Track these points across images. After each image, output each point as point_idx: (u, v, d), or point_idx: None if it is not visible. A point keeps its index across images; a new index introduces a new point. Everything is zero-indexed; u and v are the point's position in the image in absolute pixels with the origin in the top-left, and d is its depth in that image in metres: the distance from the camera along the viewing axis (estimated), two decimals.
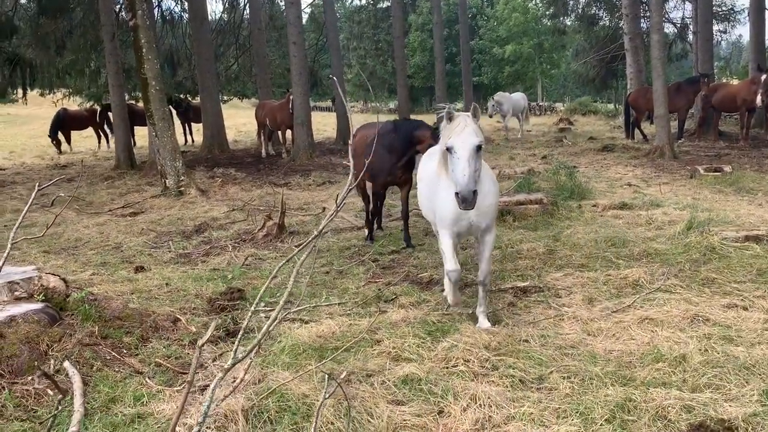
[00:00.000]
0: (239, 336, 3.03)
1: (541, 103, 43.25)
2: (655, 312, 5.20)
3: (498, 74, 43.24)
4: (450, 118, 4.87)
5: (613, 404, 3.68)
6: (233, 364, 2.83)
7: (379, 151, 7.36)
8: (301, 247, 3.58)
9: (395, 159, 7.63)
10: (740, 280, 6.02)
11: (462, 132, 4.67)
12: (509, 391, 4.02)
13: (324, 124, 29.84)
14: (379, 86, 51.49)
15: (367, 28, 52.66)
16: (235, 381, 3.84)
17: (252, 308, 3.38)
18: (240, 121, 34.38)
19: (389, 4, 39.08)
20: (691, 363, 4.19)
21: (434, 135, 6.57)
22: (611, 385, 3.93)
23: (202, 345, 2.74)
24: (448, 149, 4.72)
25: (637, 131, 19.55)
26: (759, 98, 11.72)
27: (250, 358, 3.95)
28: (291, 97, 17.28)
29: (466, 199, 4.53)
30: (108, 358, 4.54)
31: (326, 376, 3.67)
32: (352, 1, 55.34)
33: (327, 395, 3.31)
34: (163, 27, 23.05)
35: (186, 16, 22.15)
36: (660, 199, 10.09)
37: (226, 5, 23.44)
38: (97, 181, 15.33)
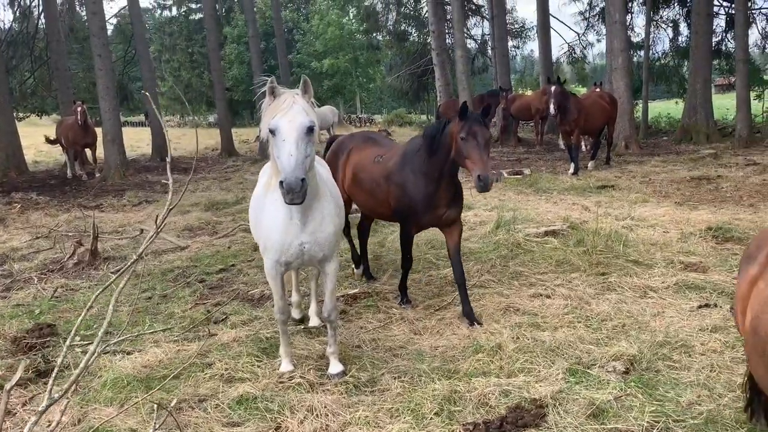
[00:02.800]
0: (53, 374, 2.79)
1: (360, 116, 44.61)
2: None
3: (318, 88, 43.86)
4: (274, 94, 3.93)
5: (440, 398, 3.91)
6: (48, 406, 2.61)
7: (410, 179, 5.45)
8: (119, 272, 3.38)
9: (432, 186, 5.37)
10: (543, 271, 6.69)
11: (289, 110, 3.79)
12: (344, 397, 4.11)
13: (138, 140, 28.18)
14: (196, 99, 49.72)
15: (179, 40, 50.69)
16: (50, 425, 3.51)
17: (66, 343, 3.12)
18: (40, 140, 31.27)
19: (202, 15, 38.02)
20: (506, 351, 4.58)
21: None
22: (438, 380, 4.18)
23: (10, 389, 2.48)
24: (272, 131, 3.80)
25: None
26: (551, 107, 13.10)
27: (67, 398, 3.64)
28: (80, 111, 15.84)
29: (292, 189, 3.60)
30: None
31: (155, 406, 3.48)
32: (161, 12, 52.88)
33: (157, 425, 3.14)
34: None
35: None
36: (470, 201, 10.86)
37: (17, 14, 21.24)
38: None
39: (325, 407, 3.89)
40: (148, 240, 3.17)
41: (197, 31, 46.08)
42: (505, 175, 13.78)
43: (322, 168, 4.79)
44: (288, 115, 3.77)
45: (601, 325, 5.11)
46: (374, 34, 34.04)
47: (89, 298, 6.74)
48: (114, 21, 24.17)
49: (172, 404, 2.99)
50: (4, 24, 22.29)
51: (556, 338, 4.81)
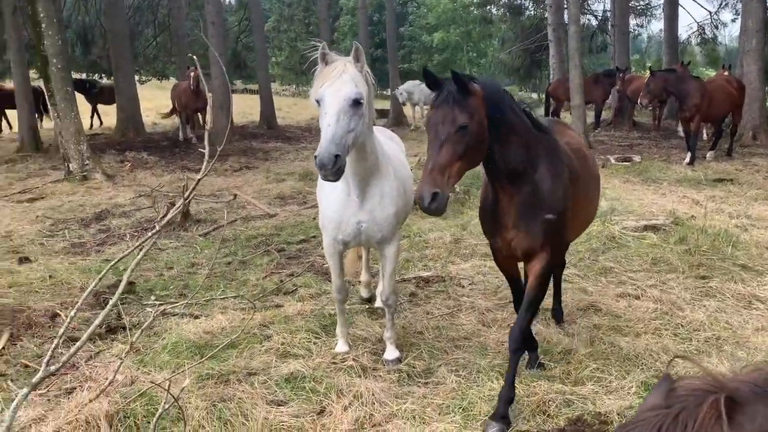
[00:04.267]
0: (55, 343, 2.77)
1: None
2: (550, 302, 5.22)
3: (428, 62, 43.34)
4: (325, 61, 3.67)
5: (496, 399, 3.63)
6: (42, 378, 2.59)
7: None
8: (149, 236, 3.32)
9: (492, 193, 3.75)
10: (635, 269, 6.16)
11: (337, 79, 3.51)
12: (395, 386, 3.93)
13: (252, 107, 29.10)
14: (309, 70, 50.63)
15: (297, 11, 51.69)
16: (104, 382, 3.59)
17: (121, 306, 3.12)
18: (163, 102, 33.04)
19: None
20: (577, 354, 4.21)
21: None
22: (496, 379, 3.90)
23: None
24: (317, 101, 3.58)
25: None
26: (645, 100, 12.27)
27: (121, 358, 3.70)
28: (193, 75, 16.32)
29: (324, 165, 3.34)
30: None
31: (199, 376, 3.46)
32: None
33: (167, 406, 3.06)
34: (75, 3, 21.79)
35: None
36: None
37: None
38: None
39: (373, 395, 3.72)
40: (175, 209, 3.08)
41: (314, 2, 46.75)
42: (612, 161, 12.91)
43: (390, 144, 4.55)
44: (335, 85, 3.51)
45: (692, 336, 4.59)
46: (489, 8, 32.96)
47: (173, 259, 6.99)
48: None
49: (185, 384, 2.90)
50: None
51: (637, 346, 4.36)
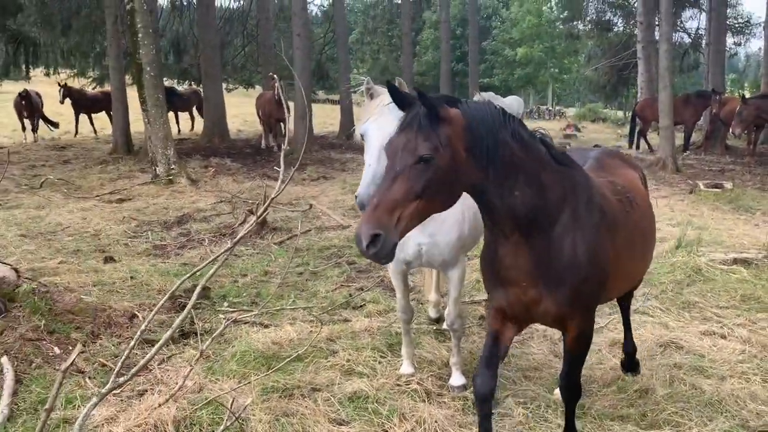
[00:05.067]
0: (127, 351, 2.83)
1: (549, 108, 42.88)
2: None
3: (509, 76, 42.92)
4: (371, 95, 3.63)
5: None
6: (111, 389, 2.66)
7: None
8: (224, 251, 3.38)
9: (492, 242, 3.12)
10: (722, 305, 5.79)
11: (381, 115, 3.45)
12: (459, 414, 3.83)
13: (333, 118, 29.65)
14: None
15: (381, 23, 52.35)
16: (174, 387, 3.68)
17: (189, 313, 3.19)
18: (249, 110, 34.19)
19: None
20: (655, 395, 3.98)
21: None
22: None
23: (66, 370, 2.55)
24: (362, 136, 3.54)
25: (642, 141, 19.25)
26: (738, 129, 11.58)
27: (191, 365, 3.78)
28: (276, 85, 16.69)
29: (362, 205, 3.26)
30: (51, 354, 4.38)
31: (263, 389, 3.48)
32: None
33: (229, 423, 3.09)
34: (172, 13, 22.88)
35: (194, 2, 21.96)
36: (655, 214, 9.82)
37: None
38: (91, 164, 15.19)
39: (437, 422, 3.65)
40: (250, 225, 3.12)
41: (398, 16, 47.23)
42: (701, 186, 12.28)
43: None
44: (379, 120, 3.45)
45: None
46: (575, 23, 32.28)
47: (248, 266, 7.15)
48: (325, 3, 25.38)
49: (248, 402, 2.92)
50: (224, 2, 24.43)
51: (722, 390, 4.07)
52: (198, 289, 3.18)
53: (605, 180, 3.33)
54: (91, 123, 21.03)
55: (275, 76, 17.27)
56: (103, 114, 20.53)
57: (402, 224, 2.52)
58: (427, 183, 2.52)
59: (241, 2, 23.30)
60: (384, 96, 3.50)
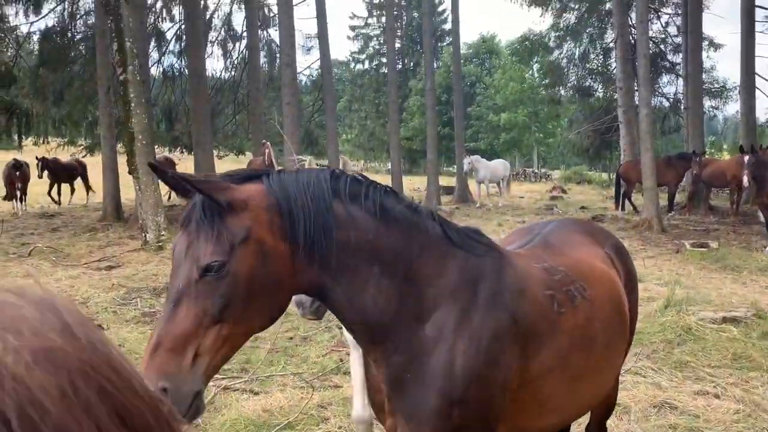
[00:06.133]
0: None
1: (535, 171, 43.65)
2: (621, 396, 4.94)
3: (494, 141, 43.90)
4: None
5: None
6: None
7: None
8: None
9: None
10: (714, 364, 5.79)
11: None
12: None
13: None
14: (378, 147, 52.19)
15: (368, 91, 53.83)
16: None
17: None
18: None
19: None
20: None
21: None
22: None
23: None
24: None
25: (627, 203, 19.56)
26: (745, 179, 11.79)
27: None
28: (267, 151, 16.95)
29: (301, 303, 2.91)
30: None
31: None
32: (356, 65, 56.71)
33: None
34: (164, 83, 23.41)
35: (186, 72, 22.55)
36: (643, 273, 9.88)
37: (227, 63, 23.95)
38: (80, 232, 15.17)
39: None
40: None
41: (385, 84, 48.58)
42: (688, 246, 12.44)
43: None
44: None
45: None
46: (557, 89, 33.31)
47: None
48: (314, 74, 26.14)
49: None
50: (216, 72, 25.11)
51: None
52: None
53: (539, 268, 2.40)
54: (72, 191, 21.53)
55: (267, 142, 17.66)
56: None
57: (203, 362, 1.78)
58: (226, 301, 1.79)
59: (233, 72, 23.93)
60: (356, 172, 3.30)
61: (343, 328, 2.36)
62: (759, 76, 23.78)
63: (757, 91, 23.40)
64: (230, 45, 23.79)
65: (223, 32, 23.50)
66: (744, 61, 22.46)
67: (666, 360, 5.89)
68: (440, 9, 50.59)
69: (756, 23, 23.24)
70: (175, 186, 1.96)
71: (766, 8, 24.40)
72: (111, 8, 12.22)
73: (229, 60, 23.91)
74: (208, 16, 22.61)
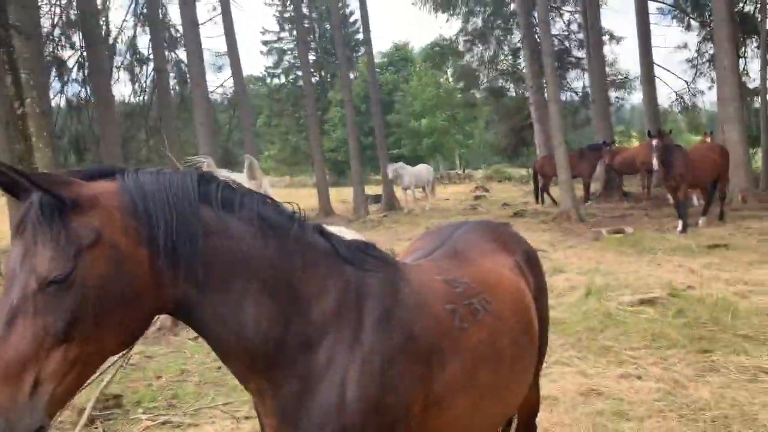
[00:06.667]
0: None
1: (459, 172, 44.47)
2: (550, 388, 5.04)
3: (417, 146, 44.44)
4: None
5: None
6: None
7: None
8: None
9: None
10: (635, 346, 5.99)
11: None
12: None
13: None
14: (303, 161, 51.85)
15: (287, 105, 53.42)
16: None
17: None
18: None
19: None
20: None
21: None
22: None
23: None
24: None
25: (546, 196, 20.19)
26: (654, 163, 12.33)
27: None
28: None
29: None
30: None
31: None
32: (272, 80, 56.24)
33: None
34: (69, 113, 22.40)
35: (92, 100, 21.68)
36: (564, 264, 10.20)
37: (135, 87, 23.16)
38: None
39: None
40: None
41: (303, 97, 48.40)
42: (605, 233, 12.93)
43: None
44: None
45: (698, 416, 4.40)
46: (471, 92, 34.08)
47: (162, 367, 6.80)
48: (221, 90, 25.64)
49: None
50: (124, 97, 24.28)
51: (642, 430, 4.17)
52: (92, 400, 2.96)
53: (440, 280, 2.24)
54: None
55: (208, 160, 17.18)
56: None
57: (45, 391, 1.49)
58: (71, 316, 1.51)
59: (142, 96, 23.19)
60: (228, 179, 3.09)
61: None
62: (657, 65, 25.13)
63: (657, 80, 24.70)
64: (137, 69, 23.01)
65: (128, 56, 22.73)
66: (642, 53, 23.68)
67: (590, 347, 6.05)
68: (352, 20, 50.90)
69: (650, 15, 24.57)
70: (7, 184, 1.57)
71: (658, 1, 25.84)
72: (1, 40, 11.57)
73: (137, 84, 23.10)
74: (111, 41, 21.82)
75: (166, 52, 22.01)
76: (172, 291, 1.69)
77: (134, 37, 22.86)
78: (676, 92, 28.99)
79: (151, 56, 21.96)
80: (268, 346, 1.78)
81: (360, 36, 43.67)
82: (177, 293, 1.70)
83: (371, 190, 28.70)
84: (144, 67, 23.20)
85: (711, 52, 24.96)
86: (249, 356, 1.79)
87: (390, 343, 1.89)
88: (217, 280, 1.72)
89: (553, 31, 26.02)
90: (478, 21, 31.04)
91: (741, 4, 25.00)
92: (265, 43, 55.09)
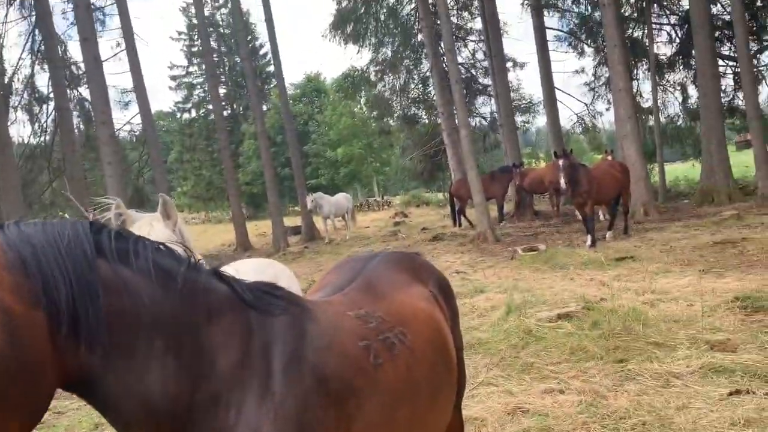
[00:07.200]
0: None
1: (377, 199, 44.87)
2: (477, 410, 5.09)
3: (334, 175, 44.59)
4: (123, 222, 2.97)
5: None
6: None
7: None
8: None
9: None
10: (556, 361, 6.15)
11: None
12: None
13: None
14: (218, 196, 50.78)
15: (200, 140, 52.37)
16: None
17: None
18: None
19: None
20: None
21: None
22: None
23: None
24: None
25: (463, 219, 20.66)
26: (561, 182, 12.87)
27: None
28: (91, 216, 16.02)
29: None
30: None
31: None
32: (182, 115, 55.02)
33: None
34: None
35: None
36: (484, 284, 10.42)
37: (35, 127, 22.08)
38: None
39: None
40: None
41: (216, 131, 47.62)
42: (520, 252, 13.33)
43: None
44: None
45: (619, 425, 4.55)
46: (385, 120, 34.64)
47: (75, 423, 6.39)
48: (129, 128, 24.83)
49: None
50: (22, 139, 23.07)
51: None
52: None
53: (352, 316, 2.19)
54: None
55: (89, 209, 16.44)
56: None
57: None
58: None
59: (43, 137, 22.11)
60: (142, 222, 2.95)
61: None
62: (558, 89, 26.43)
63: (559, 103, 25.95)
64: (36, 108, 21.97)
65: (26, 95, 21.67)
66: (544, 78, 24.87)
67: (513, 365, 6.17)
68: (262, 52, 50.74)
69: (549, 42, 25.89)
70: None
71: (553, 29, 27.27)
72: None
73: (37, 124, 22.07)
74: (6, 80, 20.76)
75: (69, 90, 21.15)
76: (73, 360, 1.47)
77: (32, 75, 21.88)
78: (576, 114, 30.58)
79: (52, 95, 21.03)
80: (175, 408, 1.61)
81: (271, 68, 43.57)
82: (80, 362, 1.48)
83: (290, 221, 28.46)
84: (44, 106, 22.19)
85: (606, 75, 26.54)
86: (155, 423, 1.60)
87: (301, 387, 1.79)
88: (121, 344, 1.53)
89: (460, 60, 26.96)
90: (388, 52, 31.70)
91: (630, 30, 26.80)
92: (173, 78, 54.00)
